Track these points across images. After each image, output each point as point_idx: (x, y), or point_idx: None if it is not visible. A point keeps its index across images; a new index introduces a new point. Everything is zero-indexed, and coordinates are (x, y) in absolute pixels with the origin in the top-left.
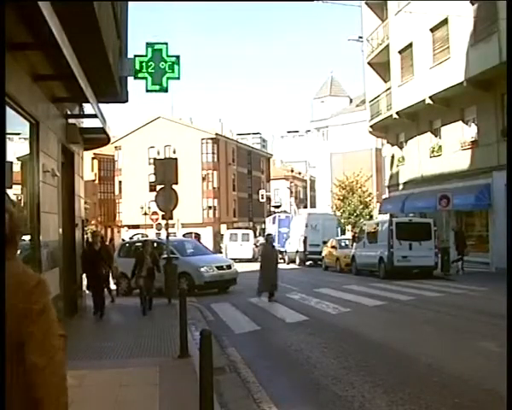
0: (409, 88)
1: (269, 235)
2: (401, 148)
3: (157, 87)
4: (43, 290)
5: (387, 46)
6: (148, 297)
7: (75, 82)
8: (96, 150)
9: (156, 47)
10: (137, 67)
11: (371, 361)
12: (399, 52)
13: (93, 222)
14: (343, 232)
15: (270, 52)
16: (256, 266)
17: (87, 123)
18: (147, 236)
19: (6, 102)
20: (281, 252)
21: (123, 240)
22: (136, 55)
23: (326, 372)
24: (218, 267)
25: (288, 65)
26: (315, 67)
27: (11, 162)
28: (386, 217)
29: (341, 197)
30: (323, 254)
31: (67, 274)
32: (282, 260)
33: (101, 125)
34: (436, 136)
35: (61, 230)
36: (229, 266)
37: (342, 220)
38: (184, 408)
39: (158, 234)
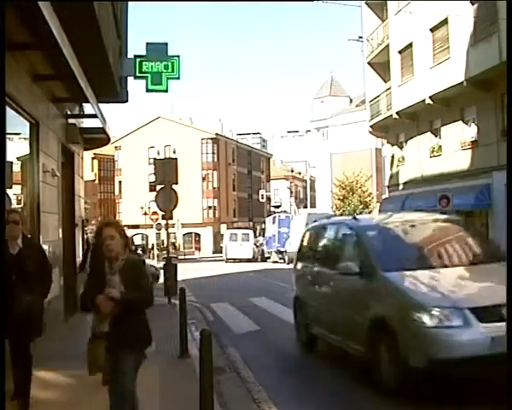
0: (409, 88)
1: None
2: (401, 148)
3: (157, 87)
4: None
5: (387, 46)
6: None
7: (75, 82)
8: (96, 150)
9: (156, 47)
10: (137, 67)
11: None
12: (399, 52)
13: (93, 222)
14: None
15: (270, 52)
16: (256, 266)
17: (87, 123)
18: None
19: (6, 102)
20: (281, 252)
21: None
22: (136, 55)
23: (326, 372)
24: (480, 316)
25: (288, 65)
26: (315, 67)
27: (11, 162)
28: None
29: (341, 197)
30: None
31: (67, 274)
32: (281, 260)
33: (101, 125)
34: (436, 136)
35: (60, 230)
36: None
37: None
38: (184, 408)
39: (157, 233)
